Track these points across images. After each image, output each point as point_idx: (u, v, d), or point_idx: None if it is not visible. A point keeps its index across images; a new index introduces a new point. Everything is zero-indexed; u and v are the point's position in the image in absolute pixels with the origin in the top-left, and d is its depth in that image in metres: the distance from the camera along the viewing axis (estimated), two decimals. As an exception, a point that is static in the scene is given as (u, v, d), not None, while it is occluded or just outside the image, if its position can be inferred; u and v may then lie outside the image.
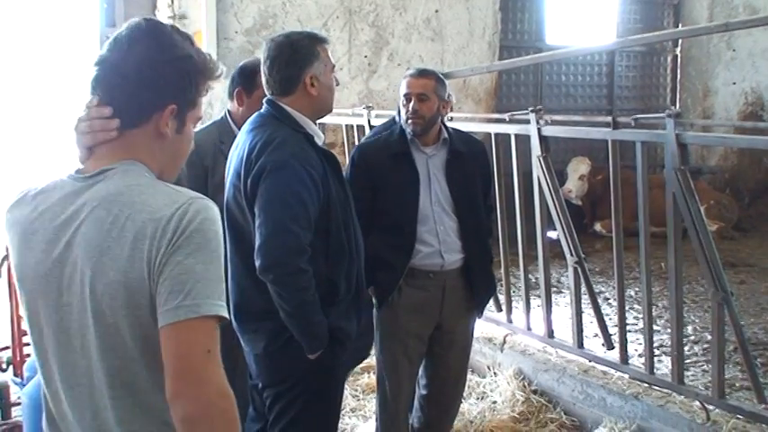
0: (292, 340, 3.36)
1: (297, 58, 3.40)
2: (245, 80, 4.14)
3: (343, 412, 5.45)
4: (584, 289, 5.53)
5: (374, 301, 4.25)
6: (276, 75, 3.43)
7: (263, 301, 3.34)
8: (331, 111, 3.66)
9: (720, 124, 12.57)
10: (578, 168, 11.38)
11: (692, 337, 6.88)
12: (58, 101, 10.78)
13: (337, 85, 3.60)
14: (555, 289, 7.63)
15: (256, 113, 3.53)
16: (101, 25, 9.34)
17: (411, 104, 4.19)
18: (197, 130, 4.30)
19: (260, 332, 3.44)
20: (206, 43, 9.23)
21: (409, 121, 4.21)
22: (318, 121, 7.62)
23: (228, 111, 4.24)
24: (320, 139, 3.52)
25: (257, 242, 3.24)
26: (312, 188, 3.29)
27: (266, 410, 3.60)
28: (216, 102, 8.96)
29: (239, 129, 4.08)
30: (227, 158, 4.00)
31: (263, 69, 3.49)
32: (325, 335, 3.36)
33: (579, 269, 5.48)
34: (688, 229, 4.59)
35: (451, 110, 4.75)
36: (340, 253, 3.42)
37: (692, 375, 5.88)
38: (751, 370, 4.59)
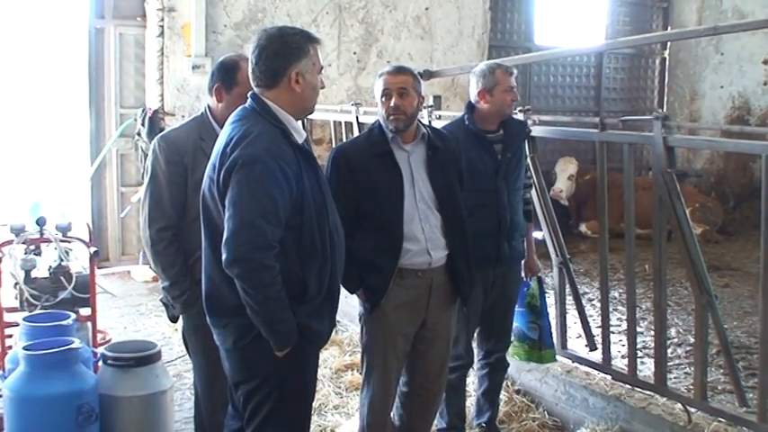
0: (261, 337, 3.33)
1: (285, 51, 3.37)
2: (224, 76, 4.06)
3: (326, 409, 5.46)
4: (568, 290, 5.53)
5: (365, 304, 4.24)
6: (262, 65, 3.38)
7: (234, 295, 3.31)
8: (312, 111, 3.62)
9: (707, 127, 12.63)
10: (567, 168, 11.41)
11: (675, 340, 6.92)
12: (48, 91, 10.75)
13: (322, 87, 3.55)
14: (539, 289, 7.64)
15: (240, 107, 3.49)
16: (90, 17, 9.31)
17: (392, 101, 4.16)
18: (177, 126, 4.28)
19: (230, 327, 3.42)
20: (194, 37, 9.22)
21: (391, 117, 4.16)
22: (306, 117, 7.63)
23: (209, 106, 4.18)
24: (300, 137, 3.48)
25: (224, 236, 3.22)
26: (284, 184, 3.27)
27: (241, 408, 3.58)
28: (203, 96, 8.94)
29: (219, 125, 4.00)
30: (207, 156, 3.97)
31: (250, 59, 3.45)
32: (293, 332, 3.33)
33: (564, 270, 5.49)
34: (673, 231, 4.60)
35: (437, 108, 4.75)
36: (311, 252, 3.39)
37: (675, 378, 5.90)
38: (733, 373, 4.60)
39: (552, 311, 5.45)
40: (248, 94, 3.48)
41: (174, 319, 4.29)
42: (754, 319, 7.27)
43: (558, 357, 5.43)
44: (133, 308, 8.07)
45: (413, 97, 4.19)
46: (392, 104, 4.15)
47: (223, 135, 3.41)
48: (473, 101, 4.85)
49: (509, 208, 4.76)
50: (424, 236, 4.15)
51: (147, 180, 4.10)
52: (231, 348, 3.46)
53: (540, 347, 5.10)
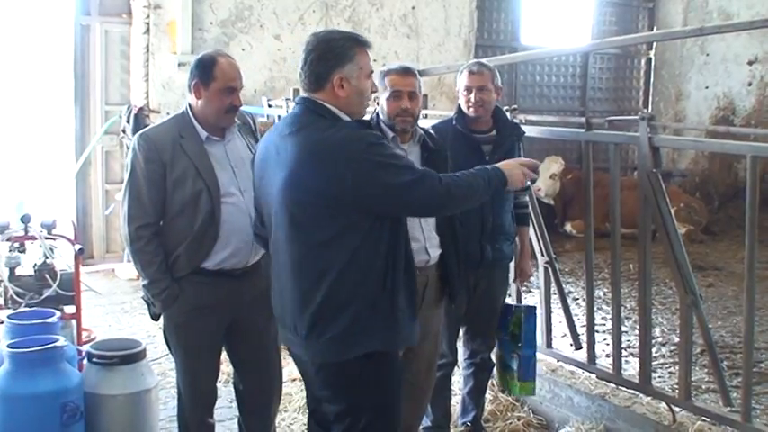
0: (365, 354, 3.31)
1: (329, 56, 3.30)
2: (202, 72, 4.03)
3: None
4: (553, 289, 5.54)
5: None
6: (306, 69, 3.33)
7: (345, 289, 3.27)
8: (361, 116, 3.49)
9: (693, 128, 12.68)
10: (550, 167, 11.44)
11: (660, 339, 6.94)
12: (33, 88, 10.69)
13: (374, 91, 3.48)
14: (524, 288, 7.63)
15: (291, 115, 3.42)
16: (75, 13, 9.28)
17: (403, 103, 4.16)
18: (157, 124, 4.26)
19: (332, 340, 3.30)
20: (180, 34, 9.18)
21: (399, 118, 4.18)
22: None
23: (189, 105, 4.15)
24: None
25: (413, 203, 3.26)
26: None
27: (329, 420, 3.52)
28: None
29: (199, 123, 4.06)
30: (186, 153, 3.97)
31: (300, 62, 3.40)
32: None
33: (550, 269, 5.50)
34: (658, 231, 4.61)
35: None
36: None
37: (659, 377, 5.92)
38: (717, 372, 4.62)
39: (538, 311, 5.47)
40: (295, 100, 3.40)
41: (155, 318, 4.27)
42: (738, 319, 7.30)
43: (543, 356, 5.45)
44: (118, 306, 8.05)
45: (419, 98, 4.26)
46: (403, 107, 4.16)
47: (286, 151, 3.29)
48: None
49: (492, 210, 4.75)
50: (423, 234, 4.15)
51: (126, 178, 4.09)
52: (326, 364, 3.38)
53: (518, 377, 5.05)
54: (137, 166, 4.01)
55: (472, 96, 4.73)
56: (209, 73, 4.00)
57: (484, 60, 5.12)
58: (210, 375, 4.26)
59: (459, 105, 4.86)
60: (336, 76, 3.29)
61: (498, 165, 3.54)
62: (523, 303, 5.17)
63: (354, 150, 3.17)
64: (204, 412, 4.27)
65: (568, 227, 11.52)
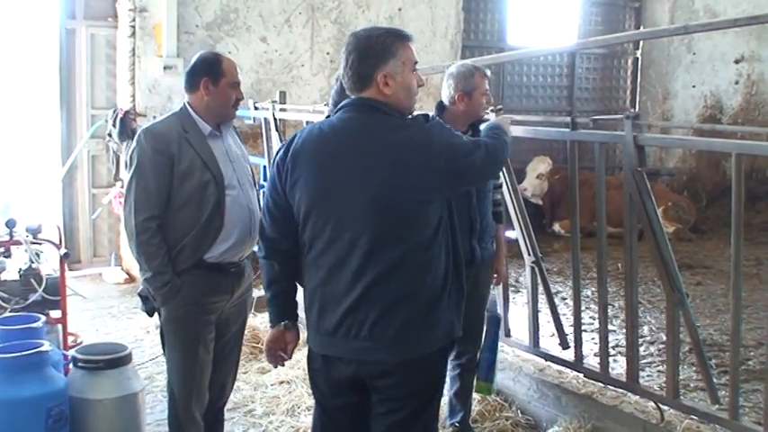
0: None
1: (370, 54, 3.28)
2: (210, 69, 4.17)
3: (299, 410, 5.45)
4: (541, 288, 5.54)
5: None
6: (349, 70, 3.32)
7: (438, 278, 3.33)
8: (411, 111, 3.47)
9: (679, 126, 12.71)
10: (537, 167, 11.47)
11: (648, 338, 6.95)
12: (19, 92, 10.66)
13: (421, 85, 3.43)
14: (512, 288, 7.66)
15: (350, 119, 3.33)
16: (61, 17, 9.25)
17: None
18: (159, 120, 4.34)
19: (427, 336, 3.34)
20: (166, 37, 9.15)
21: None
22: (279, 118, 7.59)
23: (188, 103, 4.22)
24: None
25: (481, 163, 3.35)
26: None
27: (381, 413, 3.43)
28: (175, 97, 8.89)
29: (203, 118, 4.17)
30: (192, 146, 4.07)
31: (342, 63, 3.39)
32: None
33: (536, 269, 5.50)
34: (644, 230, 4.62)
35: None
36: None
37: (647, 376, 5.92)
38: (705, 371, 4.62)
39: (525, 310, 5.46)
40: (349, 101, 3.38)
41: (150, 313, 4.26)
42: (726, 317, 7.31)
43: (530, 356, 5.46)
44: (104, 310, 8.02)
45: None
46: None
47: (373, 156, 3.25)
48: (446, 102, 4.85)
49: (479, 210, 4.77)
50: None
51: (131, 171, 4.11)
52: (413, 360, 3.34)
53: (477, 376, 5.12)
54: (144, 158, 4.08)
55: (487, 98, 4.89)
56: (218, 69, 4.17)
57: (468, 62, 5.16)
58: (205, 370, 4.26)
59: (442, 105, 4.87)
60: (380, 73, 3.28)
61: (491, 122, 3.97)
62: (495, 311, 5.16)
63: (438, 139, 3.27)
64: (197, 410, 4.25)
65: (557, 227, 11.53)
